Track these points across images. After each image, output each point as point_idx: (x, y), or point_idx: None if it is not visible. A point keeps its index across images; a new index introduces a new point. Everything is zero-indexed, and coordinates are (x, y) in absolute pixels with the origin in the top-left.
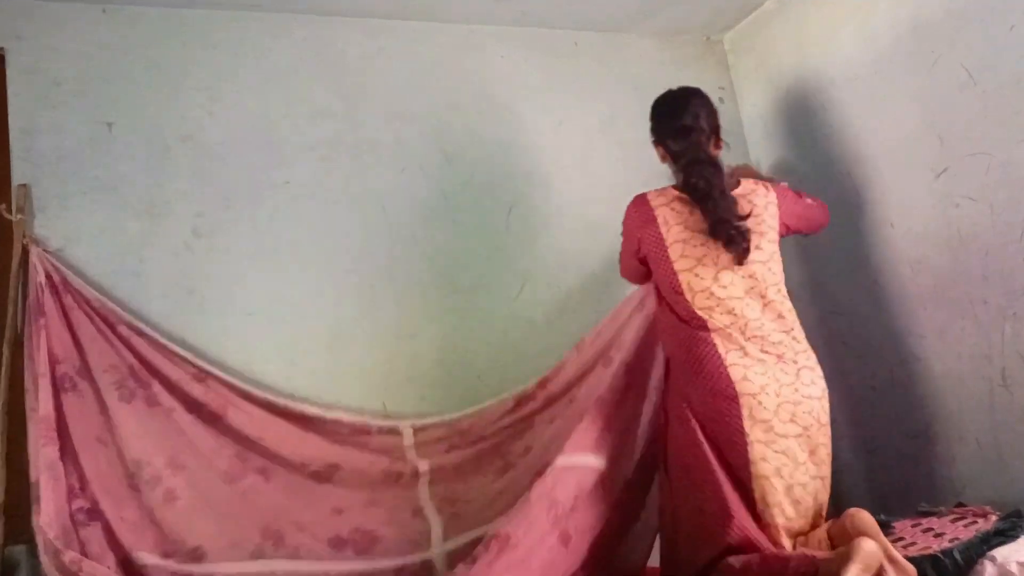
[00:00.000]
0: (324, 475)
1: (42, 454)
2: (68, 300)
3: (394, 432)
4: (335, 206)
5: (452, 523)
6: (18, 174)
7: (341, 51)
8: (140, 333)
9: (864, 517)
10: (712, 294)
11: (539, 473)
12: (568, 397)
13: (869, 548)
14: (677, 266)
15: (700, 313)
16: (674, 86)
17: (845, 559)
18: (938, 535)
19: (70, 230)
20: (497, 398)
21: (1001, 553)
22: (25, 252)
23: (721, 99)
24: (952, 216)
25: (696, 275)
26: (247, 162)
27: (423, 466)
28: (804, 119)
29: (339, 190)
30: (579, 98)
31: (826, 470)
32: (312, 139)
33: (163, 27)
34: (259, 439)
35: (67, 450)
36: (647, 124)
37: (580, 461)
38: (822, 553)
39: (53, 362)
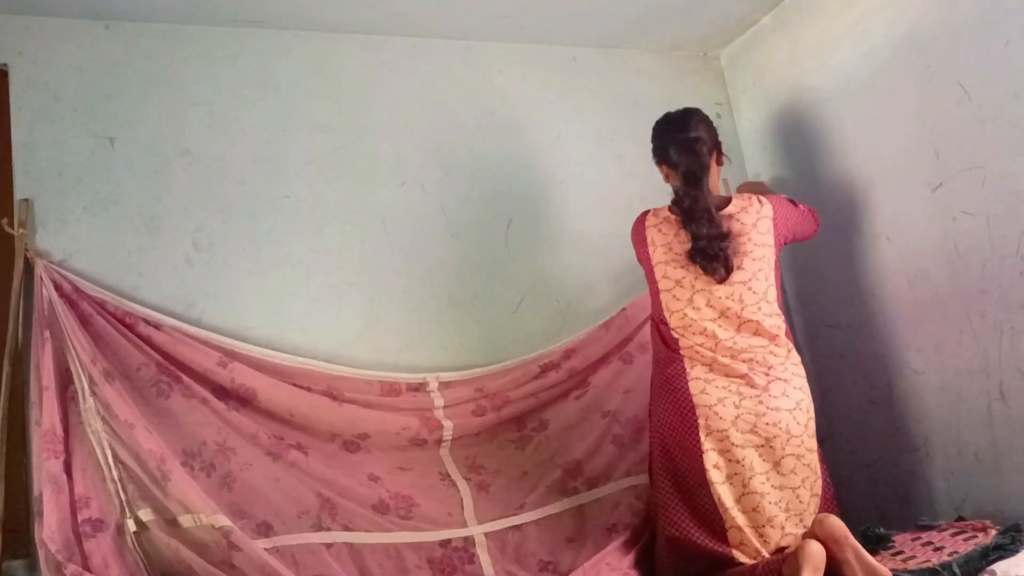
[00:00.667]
0: (355, 445)
1: (45, 467)
2: (85, 307)
3: (423, 389)
4: (334, 220)
5: (481, 497)
6: (19, 189)
7: (341, 67)
8: (158, 327)
9: (832, 522)
10: (685, 315)
11: None
12: (585, 381)
13: (812, 549)
14: (660, 286)
15: (674, 334)
16: (671, 101)
17: (794, 564)
18: (938, 548)
19: (70, 244)
20: (522, 359)
21: (1000, 567)
22: (27, 266)
23: (718, 114)
24: (949, 230)
25: (674, 296)
26: (247, 176)
27: (448, 428)
28: (801, 134)
29: (338, 204)
30: (577, 113)
31: (799, 480)
32: (311, 154)
33: (164, 43)
34: (290, 416)
35: (74, 462)
36: (645, 139)
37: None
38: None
39: (59, 375)
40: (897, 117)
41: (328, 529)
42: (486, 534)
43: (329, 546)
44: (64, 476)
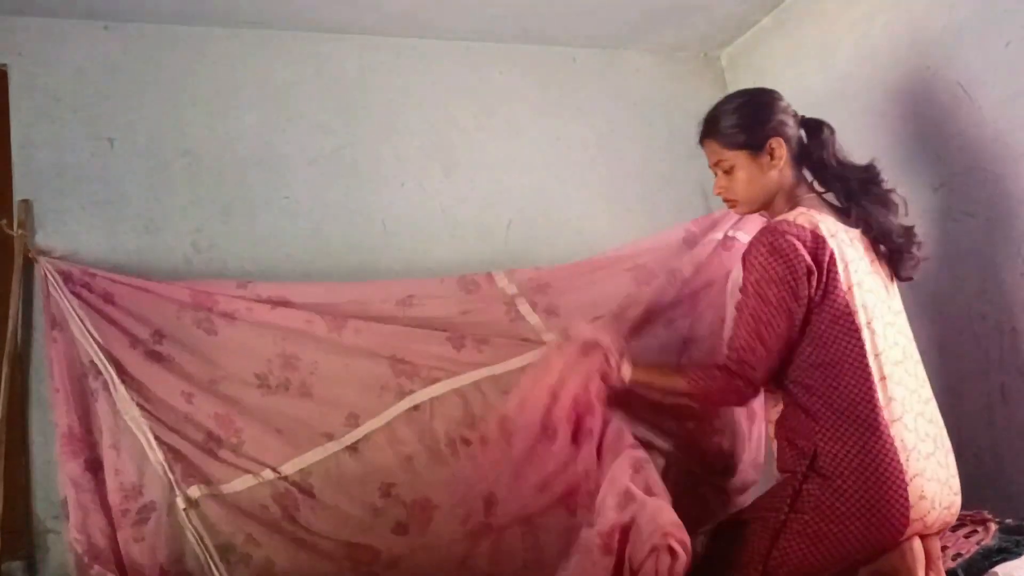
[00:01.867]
0: (407, 302)
1: (66, 470)
2: (102, 285)
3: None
4: (334, 221)
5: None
6: (18, 189)
7: (340, 67)
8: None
9: None
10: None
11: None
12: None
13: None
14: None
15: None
16: (672, 102)
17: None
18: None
19: (70, 245)
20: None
21: (1004, 569)
22: (27, 266)
23: None
24: (949, 231)
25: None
26: (246, 177)
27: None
28: None
29: (338, 205)
30: (577, 114)
31: None
32: (311, 154)
33: (163, 43)
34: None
35: (108, 456)
36: (646, 139)
37: None
38: None
39: (72, 373)
40: (897, 118)
41: (411, 392)
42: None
43: (416, 408)
44: (88, 475)
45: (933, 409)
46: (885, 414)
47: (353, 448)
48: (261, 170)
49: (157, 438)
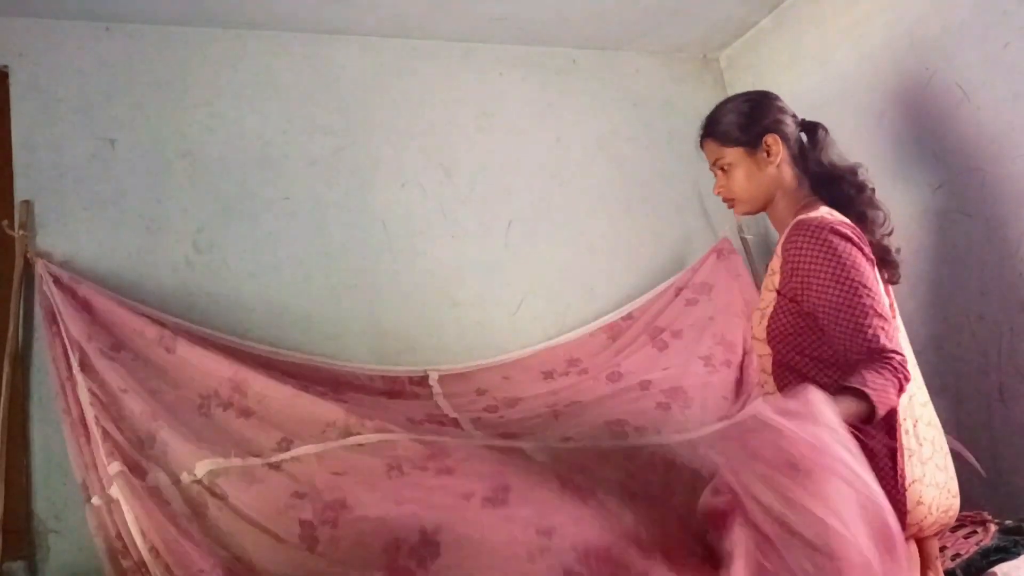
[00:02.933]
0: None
1: (83, 454)
2: (84, 290)
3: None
4: (335, 222)
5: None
6: (20, 190)
7: (341, 68)
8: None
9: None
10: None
11: None
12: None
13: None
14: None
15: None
16: (671, 103)
17: None
18: (939, 549)
19: (71, 246)
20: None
21: (1002, 569)
22: (28, 267)
23: None
24: (948, 231)
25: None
26: (247, 178)
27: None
28: None
29: (339, 206)
30: (577, 115)
31: None
32: (312, 155)
33: (164, 45)
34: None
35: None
36: (645, 140)
37: None
38: None
39: (81, 362)
40: (896, 119)
41: (358, 434)
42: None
43: (361, 445)
44: None
45: (931, 412)
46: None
47: (275, 466)
48: (262, 171)
49: (99, 424)
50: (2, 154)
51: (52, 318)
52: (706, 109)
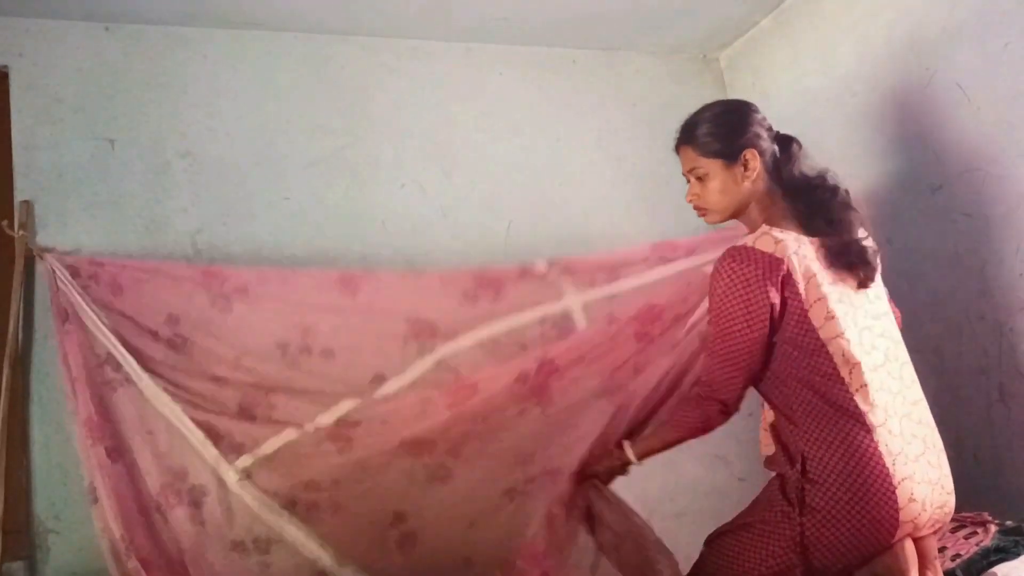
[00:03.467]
0: None
1: (92, 454)
2: (110, 274)
3: None
4: (334, 222)
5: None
6: (20, 190)
7: (340, 68)
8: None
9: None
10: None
11: None
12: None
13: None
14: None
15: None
16: (671, 103)
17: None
18: (940, 549)
19: (70, 246)
20: None
21: (1002, 570)
22: (29, 267)
23: None
24: (949, 232)
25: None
26: (246, 178)
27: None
28: (800, 136)
29: (338, 206)
30: (577, 115)
31: None
32: (311, 155)
33: (164, 45)
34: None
35: (136, 443)
36: (645, 140)
37: None
38: None
39: (87, 363)
40: (896, 119)
41: (432, 349)
42: (583, 304)
43: (439, 363)
44: (109, 461)
45: (922, 410)
46: (869, 419)
47: (384, 401)
48: (261, 171)
49: (193, 419)
50: (2, 154)
51: (65, 315)
52: None
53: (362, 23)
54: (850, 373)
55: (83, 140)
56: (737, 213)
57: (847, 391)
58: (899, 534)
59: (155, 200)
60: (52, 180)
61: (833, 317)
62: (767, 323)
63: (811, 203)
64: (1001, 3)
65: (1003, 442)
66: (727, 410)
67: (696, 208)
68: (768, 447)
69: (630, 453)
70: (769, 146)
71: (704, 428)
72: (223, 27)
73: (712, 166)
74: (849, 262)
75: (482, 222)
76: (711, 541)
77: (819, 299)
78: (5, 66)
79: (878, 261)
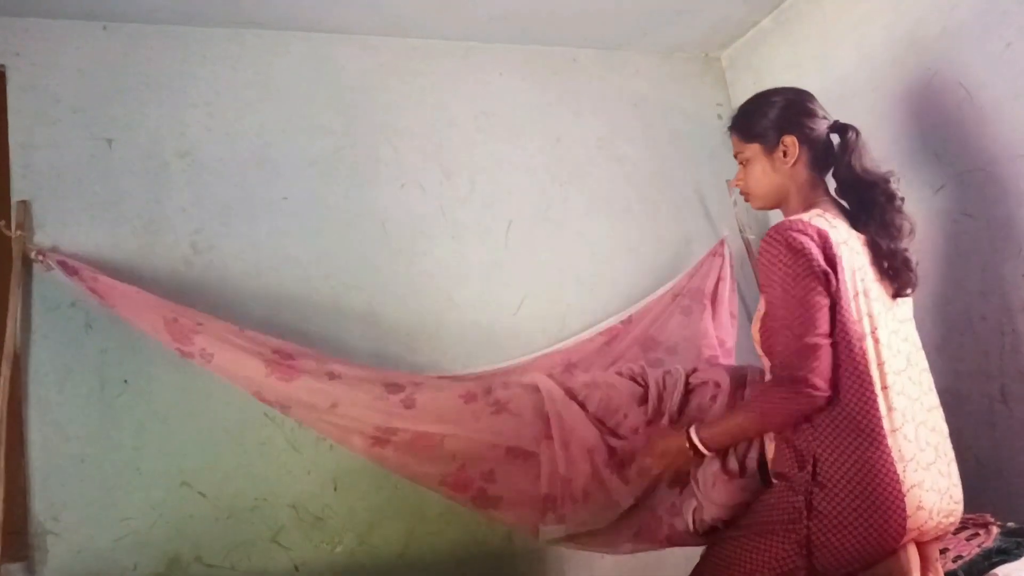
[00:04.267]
0: None
1: None
2: (103, 288)
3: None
4: (334, 222)
5: None
6: (17, 190)
7: (340, 68)
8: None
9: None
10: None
11: None
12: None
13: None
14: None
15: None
16: (672, 103)
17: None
18: (942, 551)
19: (69, 246)
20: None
21: (1004, 570)
22: (26, 267)
23: (719, 116)
24: (950, 232)
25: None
26: (246, 178)
27: None
28: None
29: (338, 206)
30: (577, 114)
31: None
32: (311, 155)
33: (162, 44)
34: None
35: None
36: (646, 140)
37: None
38: None
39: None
40: (898, 119)
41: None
42: None
43: None
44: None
45: (937, 418)
46: (885, 424)
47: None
48: (261, 171)
49: None
50: (0, 154)
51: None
52: (707, 109)
53: (361, 22)
54: (878, 371)
55: (81, 140)
56: (779, 201)
57: (872, 391)
58: (904, 540)
59: (154, 200)
60: (50, 180)
61: (870, 314)
62: (828, 289)
63: (864, 200)
64: (1002, 3)
65: (1005, 443)
66: (814, 393)
67: (742, 193)
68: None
69: (701, 445)
70: (820, 134)
71: (790, 416)
72: (222, 26)
73: (753, 150)
74: (894, 267)
75: (482, 222)
76: (713, 544)
77: (859, 293)
78: (3, 65)
79: (910, 278)
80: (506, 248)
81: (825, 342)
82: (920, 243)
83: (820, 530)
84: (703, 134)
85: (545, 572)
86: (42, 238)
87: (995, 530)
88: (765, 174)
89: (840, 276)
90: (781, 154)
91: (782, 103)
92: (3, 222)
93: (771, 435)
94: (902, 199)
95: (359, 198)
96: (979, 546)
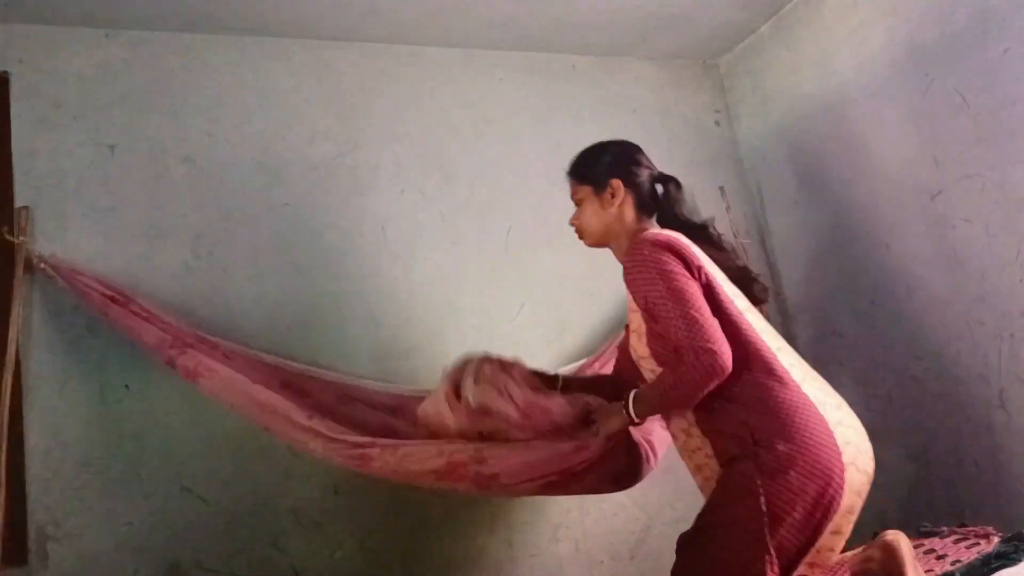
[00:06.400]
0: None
1: None
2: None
3: None
4: (334, 228)
5: None
6: (19, 196)
7: (340, 74)
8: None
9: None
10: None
11: None
12: None
13: (904, 541)
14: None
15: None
16: (671, 109)
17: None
18: (940, 557)
19: (70, 252)
20: None
21: (1003, 575)
22: (29, 272)
23: (717, 122)
24: (948, 237)
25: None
26: (246, 184)
27: None
28: (799, 142)
29: (338, 212)
30: (577, 120)
31: None
32: (311, 161)
33: (164, 51)
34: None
35: None
36: (645, 146)
37: None
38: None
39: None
40: (896, 125)
41: None
42: None
43: None
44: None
45: (825, 383)
46: (793, 375)
47: None
48: (261, 177)
49: None
50: (2, 160)
51: (96, 307)
52: (706, 115)
53: (362, 29)
54: (759, 335)
55: (83, 146)
56: (609, 238)
57: (770, 350)
58: (847, 478)
59: (155, 206)
60: (52, 186)
61: (738, 296)
62: (696, 278)
63: (692, 238)
64: (999, 9)
65: (1004, 448)
66: (716, 362)
67: (576, 231)
68: (697, 472)
69: (634, 412)
70: (644, 182)
71: (701, 385)
72: (223, 33)
73: (584, 192)
74: (747, 279)
75: (482, 227)
76: (685, 547)
77: (721, 283)
78: (5, 72)
79: (758, 284)
80: (506, 254)
81: (713, 319)
82: (917, 248)
83: (774, 484)
84: (701, 140)
85: None
86: (43, 244)
87: (995, 540)
88: (595, 213)
89: (700, 264)
90: (609, 195)
91: (612, 152)
92: (5, 228)
93: (689, 457)
94: (720, 235)
95: (359, 204)
96: (978, 553)
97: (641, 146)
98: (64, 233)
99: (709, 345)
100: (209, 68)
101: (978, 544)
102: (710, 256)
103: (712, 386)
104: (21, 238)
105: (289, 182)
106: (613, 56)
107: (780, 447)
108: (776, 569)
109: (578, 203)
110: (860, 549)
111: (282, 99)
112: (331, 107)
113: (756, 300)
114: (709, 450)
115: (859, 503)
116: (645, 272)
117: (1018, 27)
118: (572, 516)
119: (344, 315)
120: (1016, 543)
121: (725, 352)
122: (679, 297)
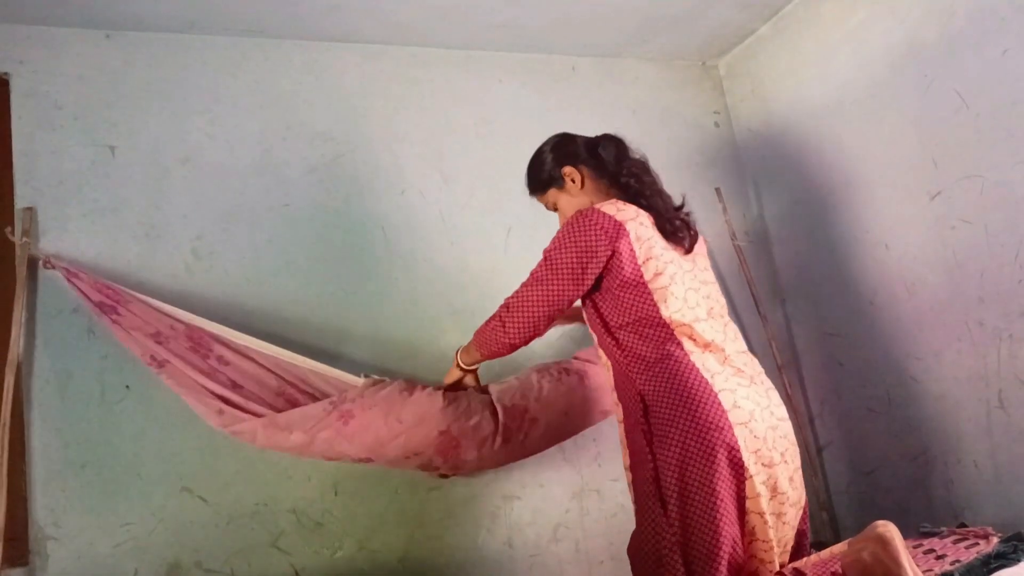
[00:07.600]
0: None
1: None
2: (102, 300)
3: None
4: (334, 229)
5: None
6: (20, 197)
7: (341, 75)
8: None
9: (893, 530)
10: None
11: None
12: None
13: (893, 531)
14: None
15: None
16: (670, 110)
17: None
18: (939, 557)
19: (71, 252)
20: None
21: (1003, 575)
22: (31, 273)
23: (716, 123)
24: (947, 238)
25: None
26: (246, 185)
27: None
28: (799, 143)
29: (338, 213)
30: (576, 122)
31: (803, 496)
32: (311, 162)
33: (164, 52)
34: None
35: None
36: (644, 147)
37: None
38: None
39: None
40: (895, 126)
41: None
42: None
43: None
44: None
45: (749, 358)
46: (685, 345)
47: None
48: (261, 177)
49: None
50: (3, 161)
51: (102, 310)
52: (705, 116)
53: (361, 30)
54: (671, 316)
55: (83, 147)
56: None
57: (669, 330)
58: (740, 438)
59: (155, 206)
60: (52, 187)
61: (662, 273)
62: (591, 283)
63: (632, 188)
64: (999, 10)
65: (1003, 449)
66: (507, 336)
67: None
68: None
69: (458, 359)
70: (584, 154)
71: (495, 343)
72: (223, 34)
73: (552, 195)
74: (675, 229)
75: (482, 228)
76: (638, 554)
77: (651, 258)
78: (6, 73)
79: (690, 230)
80: (505, 254)
81: (552, 306)
82: (917, 249)
83: (656, 423)
84: (700, 141)
85: None
86: (44, 244)
87: (995, 540)
88: (570, 204)
89: (628, 247)
90: (571, 183)
91: (549, 148)
92: (8, 228)
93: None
94: (656, 178)
95: (359, 204)
96: (978, 553)
97: (641, 146)
98: (64, 234)
99: (514, 322)
100: (209, 69)
101: (977, 544)
102: (652, 213)
103: (500, 354)
104: (24, 239)
105: (289, 183)
106: (613, 57)
107: (663, 404)
108: (676, 529)
109: (553, 207)
110: (848, 541)
111: (282, 100)
112: (331, 108)
113: (689, 248)
114: (621, 415)
115: (777, 478)
116: (561, 232)
117: (1018, 28)
118: (572, 516)
119: (344, 316)
120: (1015, 543)
121: (518, 342)
122: (551, 267)
